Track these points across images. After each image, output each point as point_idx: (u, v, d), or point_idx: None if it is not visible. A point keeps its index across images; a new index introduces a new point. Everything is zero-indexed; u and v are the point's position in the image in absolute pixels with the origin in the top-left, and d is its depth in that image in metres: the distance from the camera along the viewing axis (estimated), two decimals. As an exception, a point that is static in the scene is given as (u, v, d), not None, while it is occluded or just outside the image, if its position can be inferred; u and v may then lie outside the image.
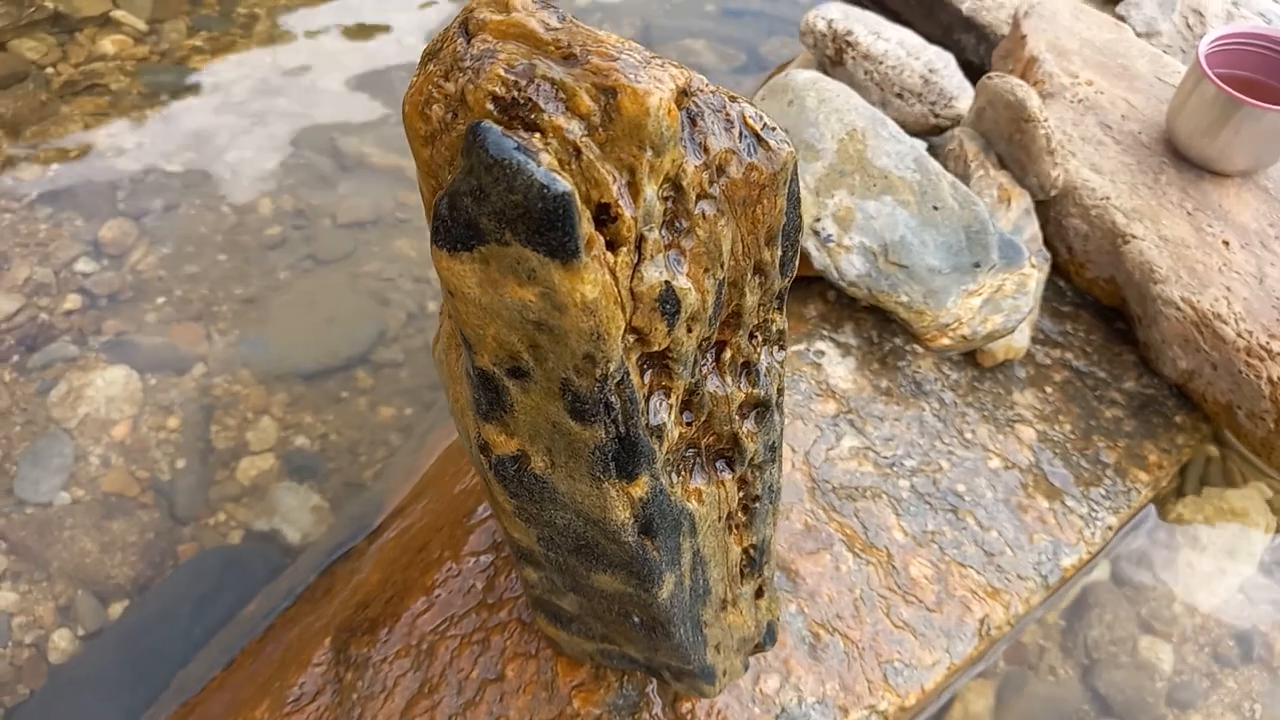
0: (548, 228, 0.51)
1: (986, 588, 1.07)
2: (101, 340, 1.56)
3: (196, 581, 1.33)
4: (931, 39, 1.86)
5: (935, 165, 1.22)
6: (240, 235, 1.74)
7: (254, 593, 1.29)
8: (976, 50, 1.76)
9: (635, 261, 0.55)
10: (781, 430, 0.71)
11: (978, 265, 1.16)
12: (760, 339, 0.66)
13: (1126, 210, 1.28)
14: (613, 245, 0.55)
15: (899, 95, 1.47)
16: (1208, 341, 1.19)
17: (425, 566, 1.00)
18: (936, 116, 1.46)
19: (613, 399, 0.58)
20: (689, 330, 0.59)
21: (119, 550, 1.36)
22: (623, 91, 0.52)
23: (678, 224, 0.57)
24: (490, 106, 0.54)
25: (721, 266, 0.59)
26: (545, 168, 0.50)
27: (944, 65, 1.48)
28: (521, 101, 0.53)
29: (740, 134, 0.57)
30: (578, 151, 0.53)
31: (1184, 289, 1.21)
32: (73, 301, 1.60)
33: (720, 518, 0.71)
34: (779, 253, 0.61)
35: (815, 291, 1.28)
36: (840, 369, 1.21)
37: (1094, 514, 1.18)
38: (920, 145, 1.40)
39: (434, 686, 0.89)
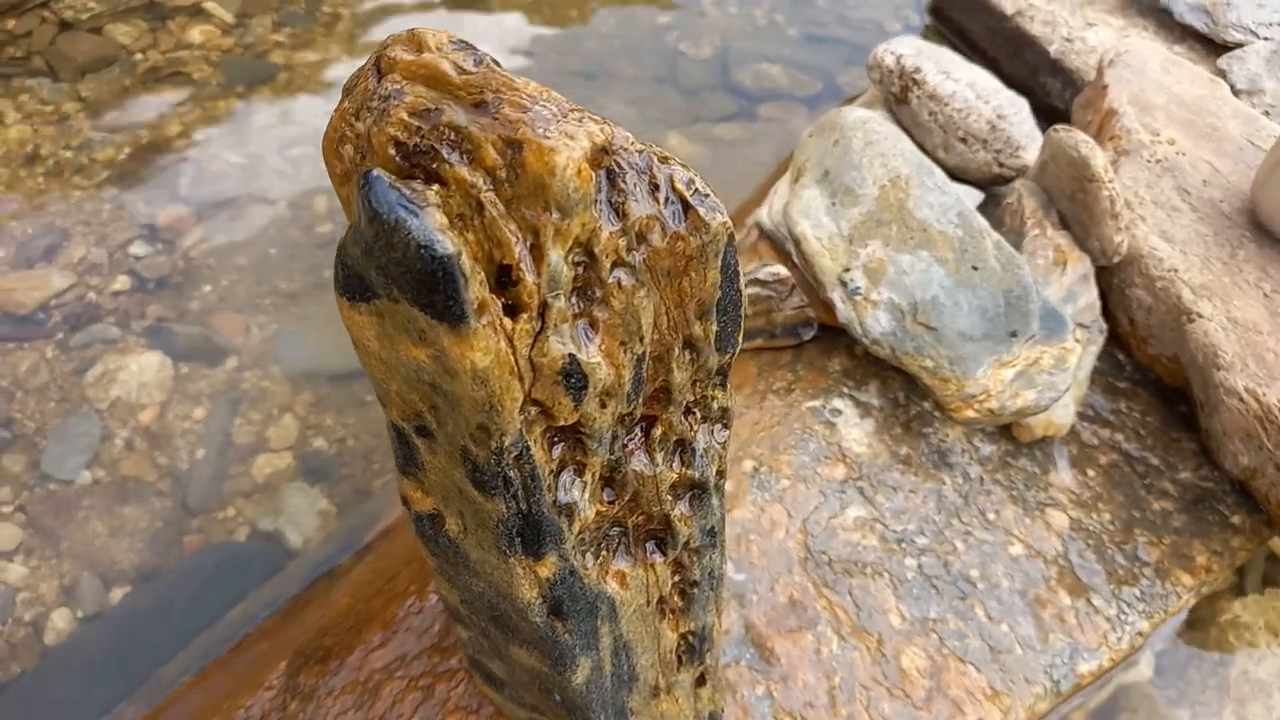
0: (430, 289, 0.47)
1: (986, 689, 0.98)
2: (143, 325, 1.59)
3: (195, 576, 1.34)
4: (1016, 81, 1.76)
5: (980, 222, 1.13)
6: (292, 230, 1.76)
7: (244, 596, 1.28)
8: (1062, 96, 1.65)
9: (537, 329, 0.50)
10: (723, 515, 0.65)
11: (1014, 334, 1.07)
12: (699, 416, 0.60)
13: (1195, 285, 1.16)
14: (514, 310, 0.50)
15: (962, 140, 1.38)
16: (1272, 439, 1.07)
17: (390, 598, 0.97)
18: (1001, 166, 1.37)
19: (511, 474, 0.54)
20: (603, 406, 0.54)
21: (128, 535, 1.37)
22: (528, 146, 0.47)
23: (590, 292, 0.51)
24: (392, 152, 0.50)
25: (641, 340, 0.53)
26: (433, 225, 0.46)
27: (1015, 112, 1.38)
28: (424, 149, 0.49)
29: (666, 199, 0.51)
30: (480, 207, 0.49)
31: (1250, 379, 1.09)
32: (121, 283, 1.63)
33: (649, 602, 0.65)
34: (714, 328, 0.55)
35: (841, 344, 1.21)
36: (856, 431, 1.14)
37: (1123, 616, 1.07)
38: (969, 198, 1.31)
39: (370, 729, 0.86)
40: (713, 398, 0.60)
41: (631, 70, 2.11)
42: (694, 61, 2.12)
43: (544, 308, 0.50)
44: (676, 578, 0.66)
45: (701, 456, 0.61)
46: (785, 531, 1.02)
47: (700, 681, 0.74)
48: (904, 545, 1.06)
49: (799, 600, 0.98)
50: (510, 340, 0.50)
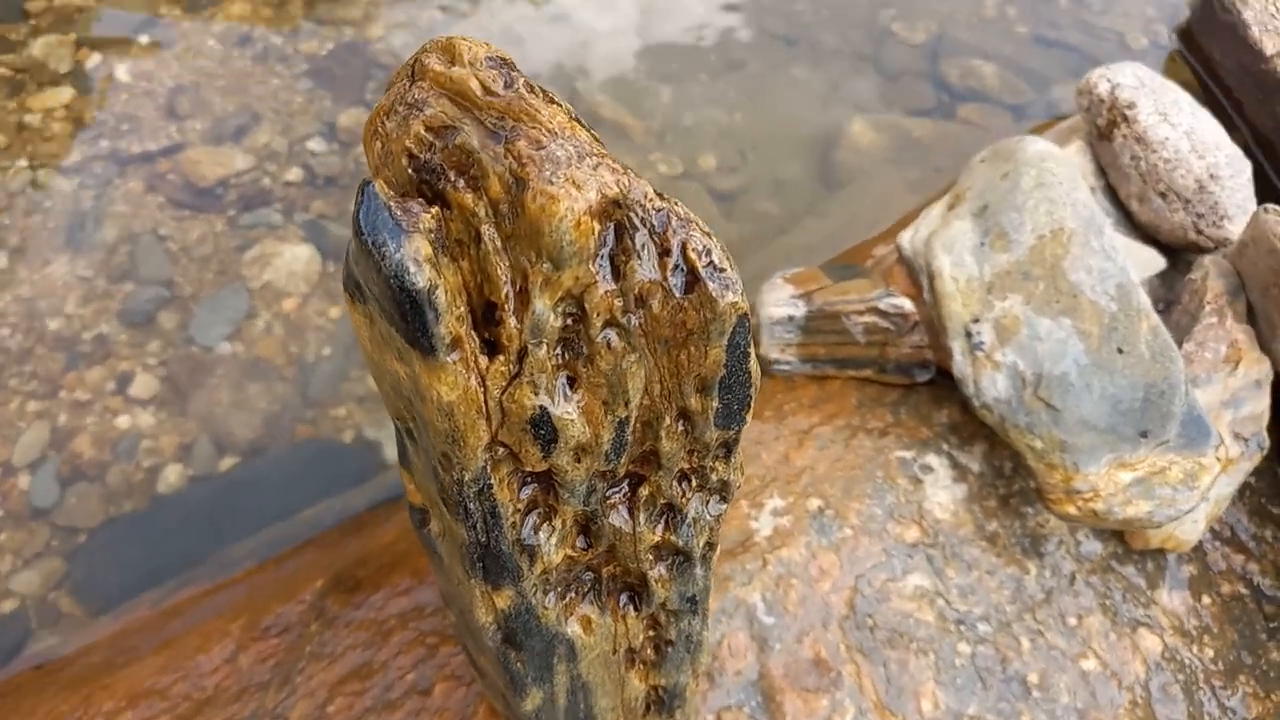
0: (401, 317, 0.45)
1: (1006, 806, 0.91)
2: (305, 218, 1.67)
3: (296, 463, 1.42)
4: (1259, 134, 1.54)
5: (1142, 300, 1.00)
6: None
7: (329, 494, 1.35)
8: (1309, 160, 1.43)
9: (514, 374, 0.48)
10: (707, 585, 0.61)
11: (1145, 435, 0.95)
12: (694, 485, 0.56)
13: (1391, 426, 0.99)
14: (494, 349, 0.48)
15: (1162, 195, 1.22)
16: None
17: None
18: (1199, 233, 1.20)
19: (471, 505, 0.52)
20: (577, 460, 0.51)
21: (248, 411, 1.46)
22: (530, 189, 0.44)
23: (577, 346, 0.48)
24: (405, 163, 0.48)
25: (626, 404, 0.50)
26: (410, 254, 0.44)
27: (1232, 175, 1.20)
28: (434, 167, 0.47)
29: (675, 266, 0.47)
30: (478, 238, 0.46)
31: None
32: (294, 175, 1.72)
33: (616, 650, 0.63)
34: (714, 404, 0.51)
35: (957, 396, 1.11)
36: (944, 494, 1.05)
37: (1194, 771, 0.96)
38: (1148, 263, 1.17)
39: (370, 673, 0.89)
40: (712, 470, 0.55)
41: (834, 43, 2.00)
42: (903, 44, 1.98)
43: (523, 353, 0.47)
44: (651, 633, 0.63)
45: (689, 526, 0.57)
46: (832, 584, 0.97)
47: (668, 733, 0.71)
48: (962, 628, 0.98)
49: (825, 660, 0.93)
50: (483, 379, 0.48)
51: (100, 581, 1.28)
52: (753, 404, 0.53)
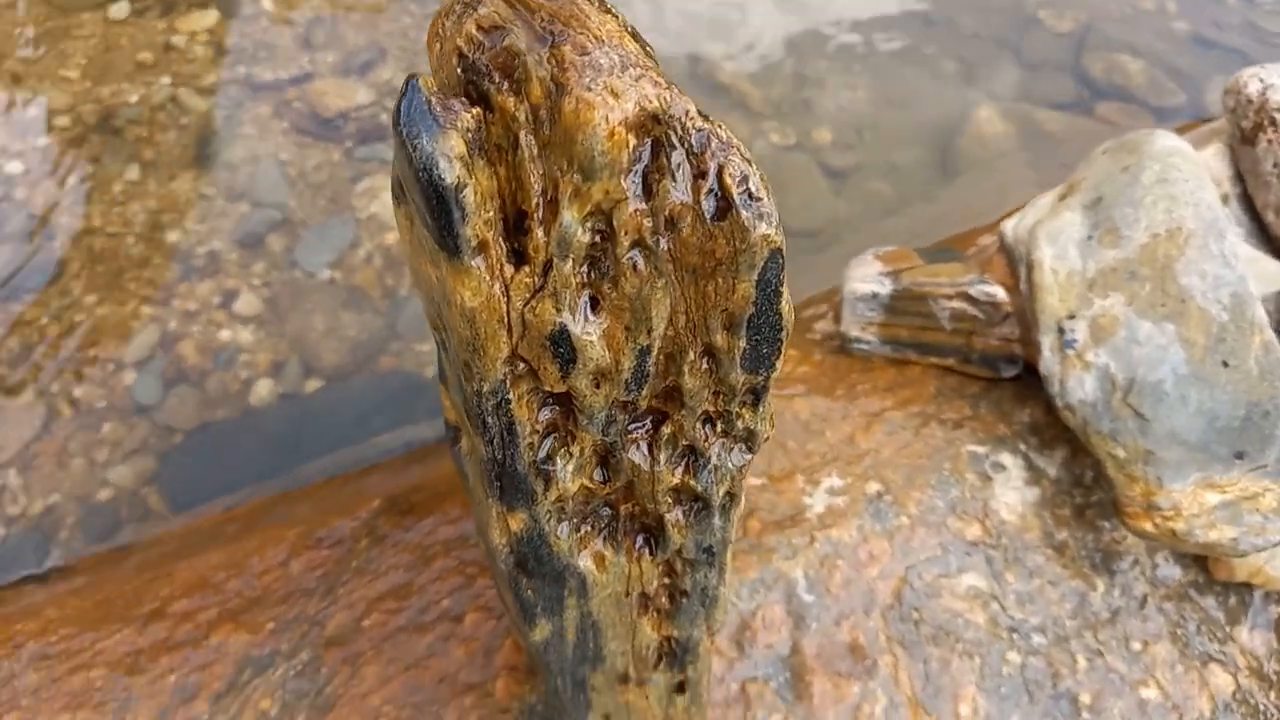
0: (431, 214, 0.45)
1: (1037, 824, 0.86)
2: (415, 156, 1.71)
3: (378, 392, 1.46)
4: None
5: (1257, 313, 0.92)
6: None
7: (400, 425, 1.39)
8: None
9: (537, 286, 0.47)
10: (726, 538, 0.59)
11: (1240, 456, 0.88)
12: (719, 430, 0.54)
13: None
14: (523, 260, 0.47)
15: (1304, 208, 1.12)
16: None
17: (484, 479, 1.00)
18: (1340, 253, 1.10)
19: (489, 419, 0.52)
20: (596, 385, 0.50)
21: (338, 338, 1.51)
22: (567, 94, 0.43)
23: (603, 267, 0.47)
24: (456, 62, 0.48)
25: (649, 332, 0.48)
26: (442, 150, 0.43)
27: (1389, 192, 1.09)
28: (480, 67, 0.46)
29: (711, 190, 0.45)
30: (516, 143, 0.46)
31: None
32: (411, 113, 1.75)
33: (629, 593, 0.62)
34: (741, 344, 0.49)
35: (1041, 397, 1.05)
36: (1013, 495, 1.00)
37: (1253, 823, 0.89)
38: (1270, 279, 1.07)
39: (409, 594, 0.90)
40: (739, 415, 0.54)
41: (973, 25, 1.91)
42: (1047, 32, 1.88)
43: (548, 266, 0.46)
44: (666, 580, 0.62)
45: (709, 471, 0.55)
46: (880, 571, 0.93)
47: (679, 689, 0.70)
48: (1014, 636, 0.94)
49: (863, 646, 0.90)
50: (507, 288, 0.47)
51: (187, 482, 1.35)
52: (783, 349, 0.51)
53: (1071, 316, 0.97)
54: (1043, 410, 1.05)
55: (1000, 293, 1.05)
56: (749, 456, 0.56)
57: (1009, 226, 1.10)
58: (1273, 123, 1.17)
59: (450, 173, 0.43)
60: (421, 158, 0.43)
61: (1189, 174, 1.01)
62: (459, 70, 0.47)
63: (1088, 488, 1.02)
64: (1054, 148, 1.67)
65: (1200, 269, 0.94)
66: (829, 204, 1.68)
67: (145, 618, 0.92)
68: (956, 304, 1.06)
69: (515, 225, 0.47)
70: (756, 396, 0.53)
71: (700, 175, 0.45)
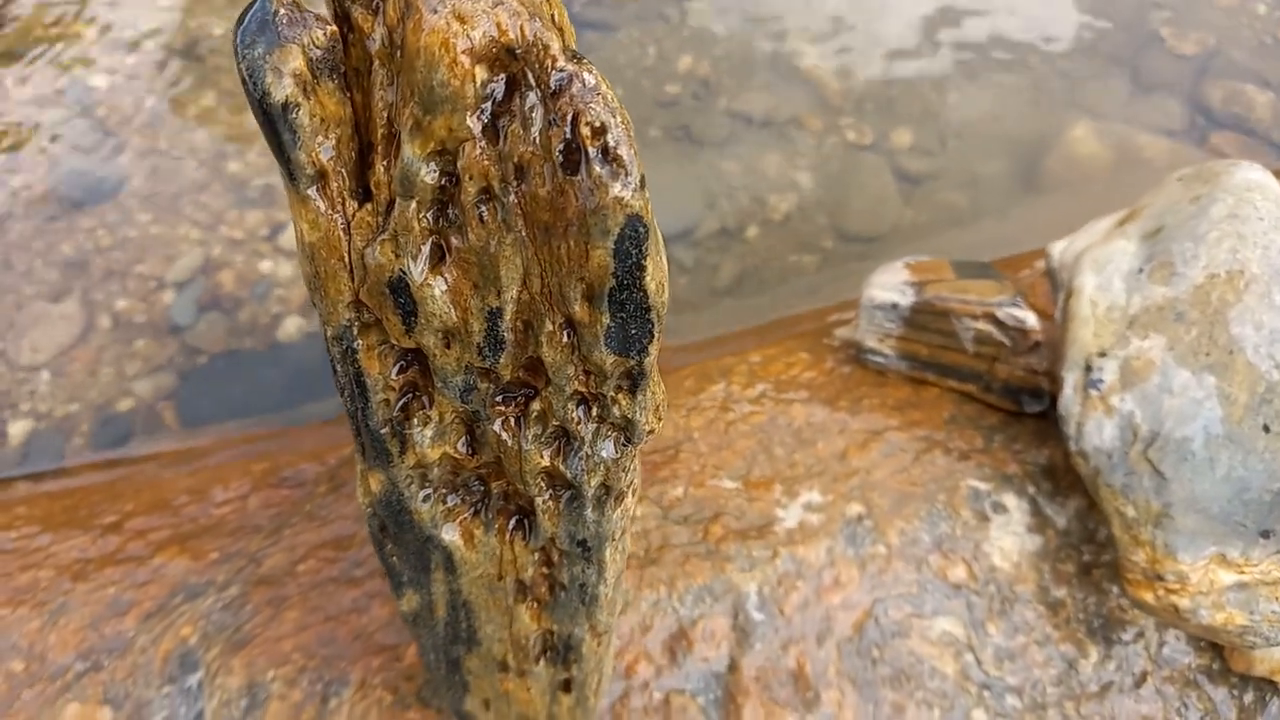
0: (265, 135, 0.41)
1: None
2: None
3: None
4: None
5: (1316, 377, 0.80)
6: (643, 80, 1.75)
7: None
8: None
9: (379, 227, 0.43)
10: (603, 534, 0.54)
11: (1266, 535, 0.77)
12: (593, 414, 0.49)
13: None
14: (368, 197, 0.43)
15: None
16: None
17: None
18: None
19: (339, 367, 0.48)
20: (446, 345, 0.46)
21: (374, 285, 1.50)
22: (412, 15, 0.38)
23: (450, 214, 0.42)
24: (327, -28, 0.43)
25: (498, 293, 0.43)
26: (273, 63, 0.40)
27: None
28: (346, -19, 0.42)
29: (564, 140, 0.39)
30: (370, 67, 0.41)
31: None
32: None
33: (502, 576, 0.57)
34: (604, 319, 0.44)
35: (1059, 439, 0.95)
36: (1010, 541, 0.91)
37: None
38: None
39: (348, 545, 0.88)
40: (614, 401, 0.48)
41: (1089, 38, 1.77)
42: (1168, 54, 1.72)
43: (391, 205, 0.42)
44: (545, 570, 0.57)
45: (580, 459, 0.50)
46: (843, 599, 0.86)
47: (565, 687, 0.65)
48: (985, 694, 0.85)
49: (808, 676, 0.83)
50: (349, 226, 0.43)
51: (202, 403, 1.37)
52: (657, 335, 0.45)
53: (1103, 354, 0.87)
54: (1062, 453, 0.95)
55: (1031, 319, 0.95)
56: (627, 449, 0.50)
57: (1058, 249, 1.00)
58: (1389, 169, 1.03)
59: (280, 90, 0.39)
60: (250, 71, 0.39)
61: (1265, 213, 0.89)
62: (332, -17, 0.43)
63: (1100, 545, 0.92)
64: (1151, 174, 1.53)
65: (1257, 319, 0.83)
66: (896, 210, 1.59)
67: (102, 529, 0.93)
68: (982, 325, 0.96)
69: (361, 159, 0.43)
70: (634, 382, 0.47)
71: (555, 122, 0.39)
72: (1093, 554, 0.91)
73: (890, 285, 1.00)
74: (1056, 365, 0.93)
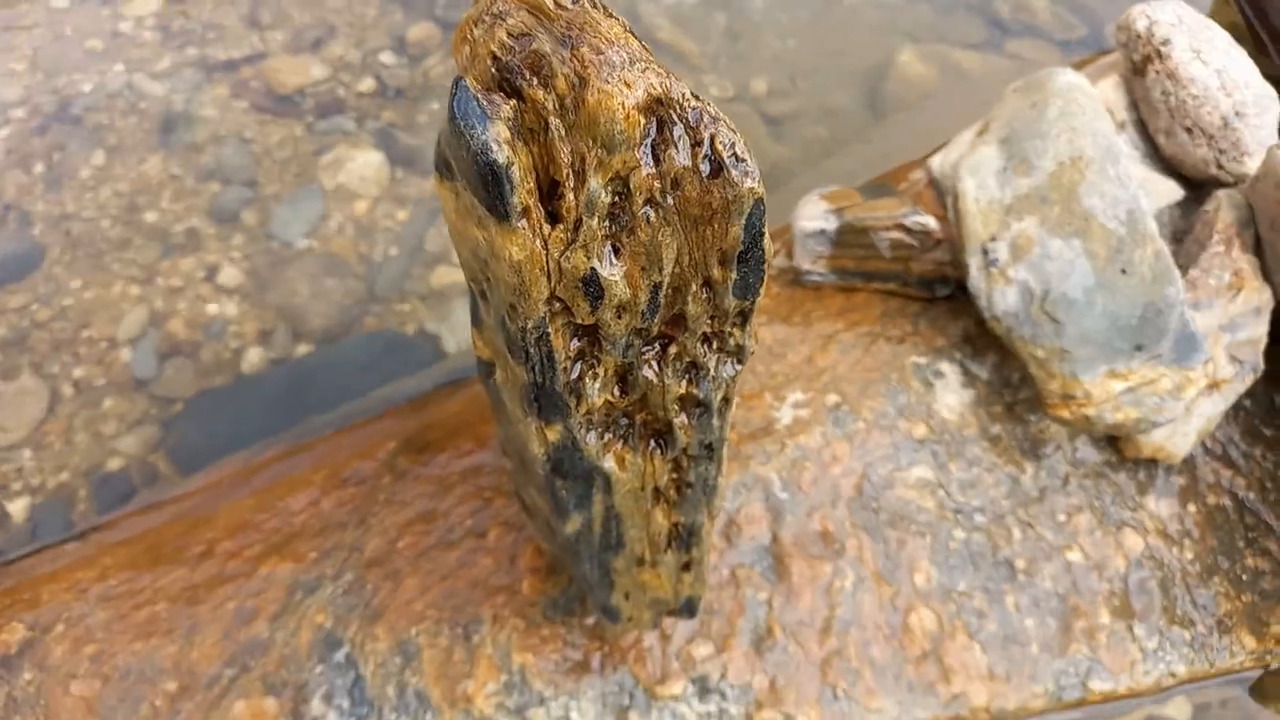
0: (483, 188, 0.56)
1: (984, 670, 1.02)
2: (375, 126, 1.79)
3: (365, 351, 1.56)
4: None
5: (1148, 226, 1.07)
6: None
7: (393, 379, 1.49)
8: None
9: (570, 240, 0.59)
10: (723, 436, 0.73)
11: (1139, 349, 1.04)
12: (715, 347, 0.67)
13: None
14: (555, 219, 0.59)
15: (1188, 130, 1.28)
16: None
17: (488, 418, 1.12)
18: (1219, 168, 1.26)
19: (531, 350, 0.64)
20: (618, 316, 0.63)
21: (323, 302, 1.60)
22: (590, 87, 0.54)
23: (622, 220, 0.59)
24: (490, 63, 0.58)
25: (660, 270, 0.61)
26: (492, 136, 0.55)
27: (1258, 113, 1.25)
28: (513, 67, 0.57)
29: (705, 156, 0.57)
30: (546, 126, 0.57)
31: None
32: (367, 85, 1.83)
33: (644, 487, 0.75)
34: (733, 275, 0.62)
35: (972, 311, 1.20)
36: (952, 398, 1.15)
37: (1160, 653, 1.07)
38: (1168, 194, 1.23)
39: (434, 517, 1.02)
40: (730, 335, 0.66)
41: (889, -28, 2.03)
42: (957, -25, 2.01)
43: (579, 223, 0.58)
44: (674, 475, 0.75)
45: (708, 381, 0.68)
46: (843, 469, 1.08)
47: (685, 568, 0.84)
48: (959, 517, 1.09)
49: (831, 533, 1.04)
50: (546, 243, 0.59)
51: (192, 446, 1.44)
52: (765, 279, 0.64)
53: (993, 239, 1.12)
54: (973, 323, 1.20)
55: (931, 222, 1.19)
56: (740, 367, 0.69)
57: (935, 162, 1.24)
58: (1159, 55, 1.32)
59: (501, 154, 0.55)
60: (476, 143, 0.54)
61: (1087, 107, 1.15)
62: (493, 69, 0.58)
63: (1015, 387, 1.17)
64: (972, 86, 1.81)
65: (1100, 190, 1.09)
66: (770, 149, 1.81)
67: (195, 558, 1.03)
68: (894, 234, 1.19)
69: (548, 193, 0.59)
70: (744, 318, 0.66)
71: (697, 144, 0.57)
72: (1011, 395, 1.17)
73: (815, 215, 1.21)
74: (958, 255, 1.17)
